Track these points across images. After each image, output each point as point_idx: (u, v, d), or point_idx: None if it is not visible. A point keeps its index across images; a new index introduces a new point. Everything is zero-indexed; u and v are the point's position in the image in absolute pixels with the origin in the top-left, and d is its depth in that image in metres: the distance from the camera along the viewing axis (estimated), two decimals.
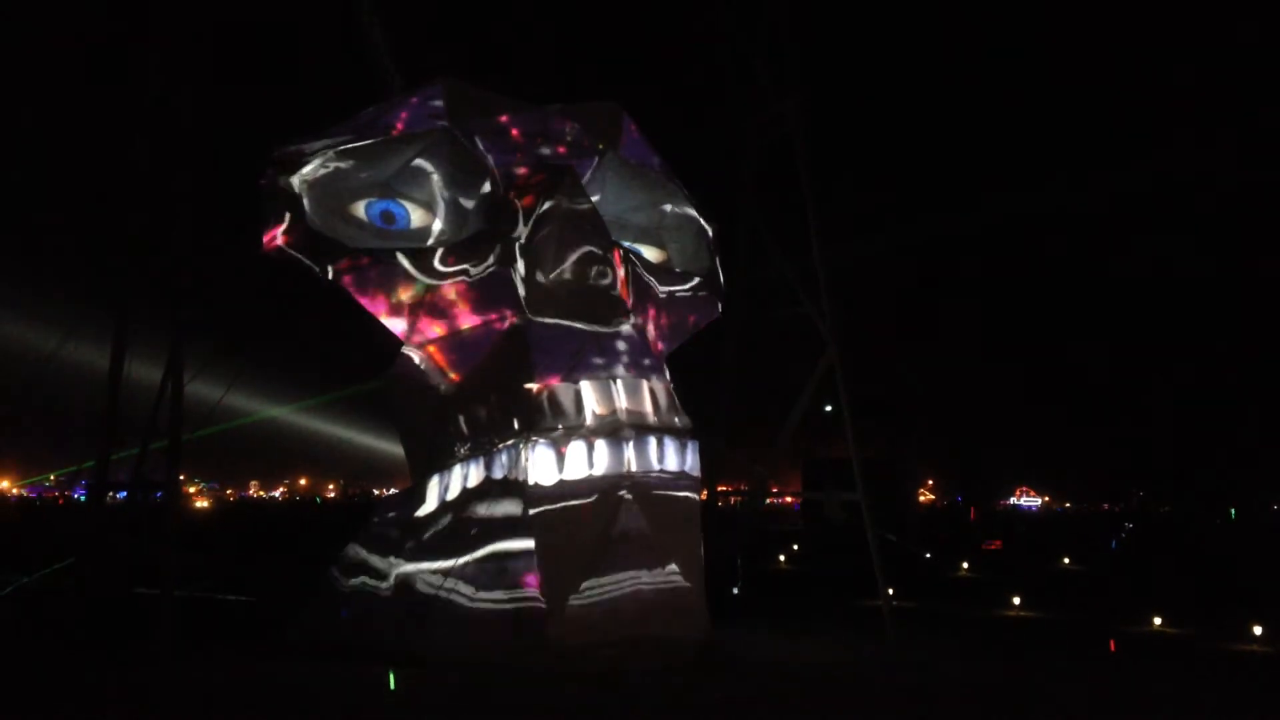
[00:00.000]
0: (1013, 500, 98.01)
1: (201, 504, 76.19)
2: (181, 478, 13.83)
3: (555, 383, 11.07)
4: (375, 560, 12.20)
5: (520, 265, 11.94)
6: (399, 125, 12.25)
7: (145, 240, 13.54)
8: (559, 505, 10.79)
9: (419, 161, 12.26)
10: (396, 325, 12.16)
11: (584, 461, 10.84)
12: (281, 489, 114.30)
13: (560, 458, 10.79)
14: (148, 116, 13.47)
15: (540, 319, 11.66)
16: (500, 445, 11.28)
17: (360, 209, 12.29)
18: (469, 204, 12.49)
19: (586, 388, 11.08)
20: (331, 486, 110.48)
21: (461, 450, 11.88)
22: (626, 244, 13.26)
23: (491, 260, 12.06)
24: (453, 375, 12.21)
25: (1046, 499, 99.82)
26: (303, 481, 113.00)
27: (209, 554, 22.11)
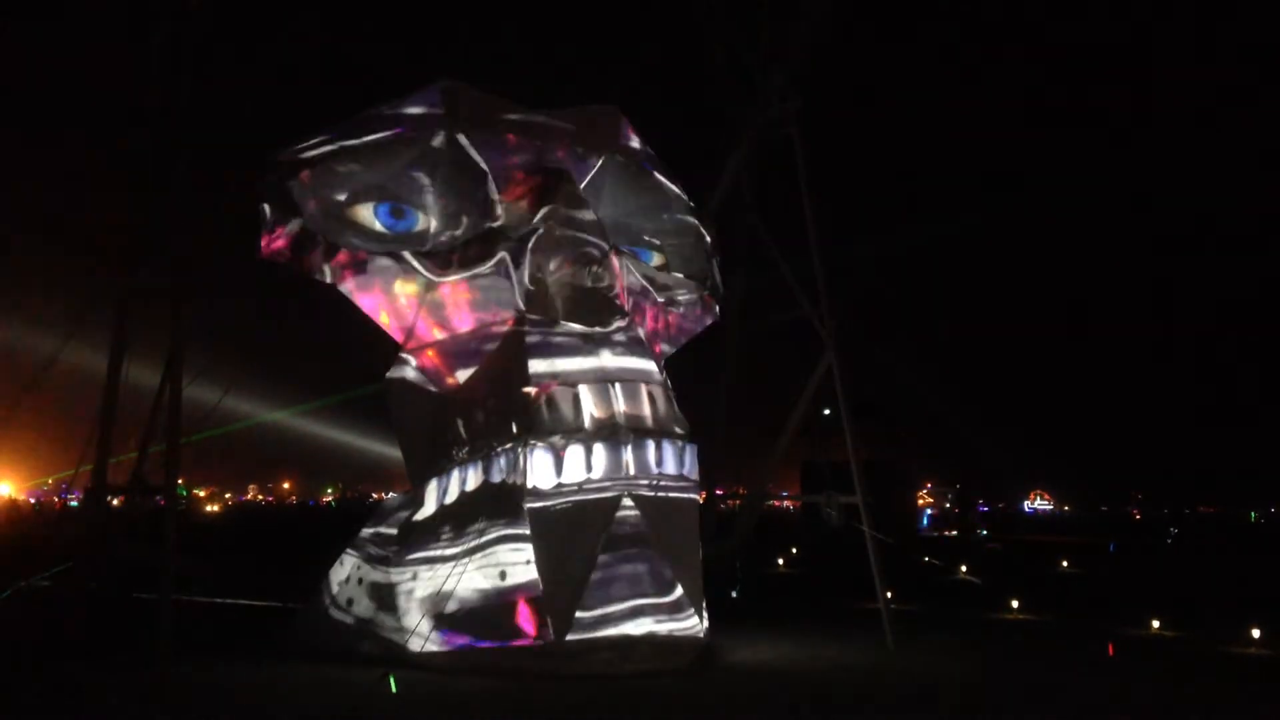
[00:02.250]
0: (1026, 505, 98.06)
1: (212, 508, 75.92)
2: (181, 481, 13.78)
3: (553, 386, 11.07)
4: (375, 564, 12.19)
5: (518, 268, 11.93)
6: (398, 127, 12.26)
7: (145, 243, 13.52)
8: (557, 509, 10.79)
9: (417, 164, 12.26)
10: (395, 328, 12.16)
11: (582, 465, 10.84)
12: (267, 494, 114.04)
13: (558, 461, 10.79)
14: (148, 117, 13.46)
15: (539, 322, 11.66)
16: (499, 449, 11.28)
17: (359, 211, 12.30)
18: (467, 207, 12.50)
19: (585, 391, 11.09)
20: (331, 490, 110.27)
21: (460, 454, 11.87)
22: (624, 248, 13.25)
23: (489, 263, 12.05)
24: (451, 379, 12.22)
25: (1049, 503, 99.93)
26: (286, 485, 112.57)
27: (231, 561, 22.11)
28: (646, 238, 14.06)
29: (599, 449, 10.89)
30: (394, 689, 10.00)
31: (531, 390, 11.03)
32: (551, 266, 11.84)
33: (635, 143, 13.77)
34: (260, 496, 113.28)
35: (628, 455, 10.99)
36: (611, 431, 11.00)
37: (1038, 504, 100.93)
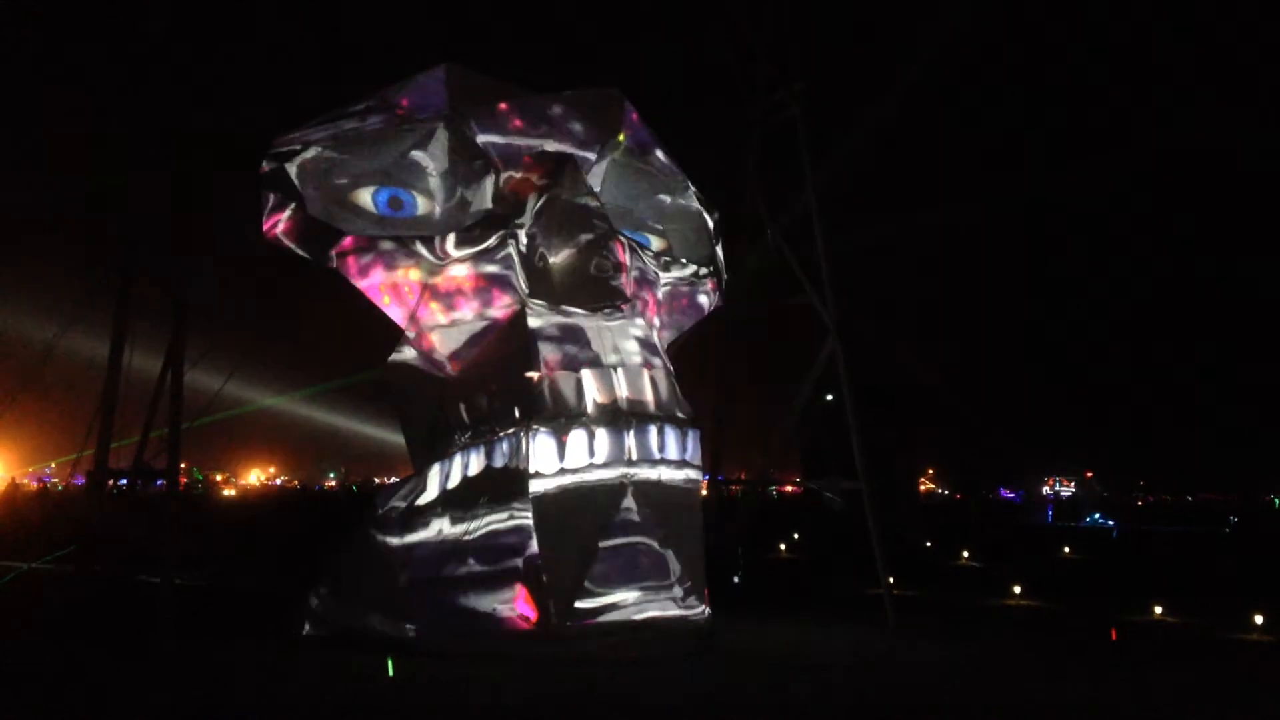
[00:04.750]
0: (1046, 490, 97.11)
1: (229, 492, 75.70)
2: (186, 465, 13.79)
3: (556, 371, 11.03)
4: (377, 547, 12.18)
5: (522, 253, 11.88)
6: (400, 112, 12.19)
7: (147, 227, 13.50)
8: (560, 493, 10.77)
9: (420, 148, 12.20)
10: (397, 313, 12.12)
11: (585, 450, 10.81)
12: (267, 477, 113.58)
13: (561, 446, 10.76)
14: (151, 102, 13.42)
15: (541, 307, 11.61)
16: (501, 434, 11.25)
17: (361, 196, 12.24)
18: (470, 191, 12.44)
19: (587, 376, 11.05)
20: (334, 475, 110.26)
21: (462, 439, 11.84)
22: (628, 232, 13.20)
23: (493, 248, 12.00)
24: (454, 363, 12.18)
25: (1070, 489, 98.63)
26: (271, 469, 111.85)
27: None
28: (649, 222, 14.00)
29: (601, 434, 10.86)
30: (391, 673, 10.00)
31: (534, 375, 11.00)
32: (555, 251, 11.78)
33: (638, 126, 13.68)
34: (262, 481, 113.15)
35: (630, 440, 10.95)
36: (614, 416, 10.96)
37: (1057, 489, 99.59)
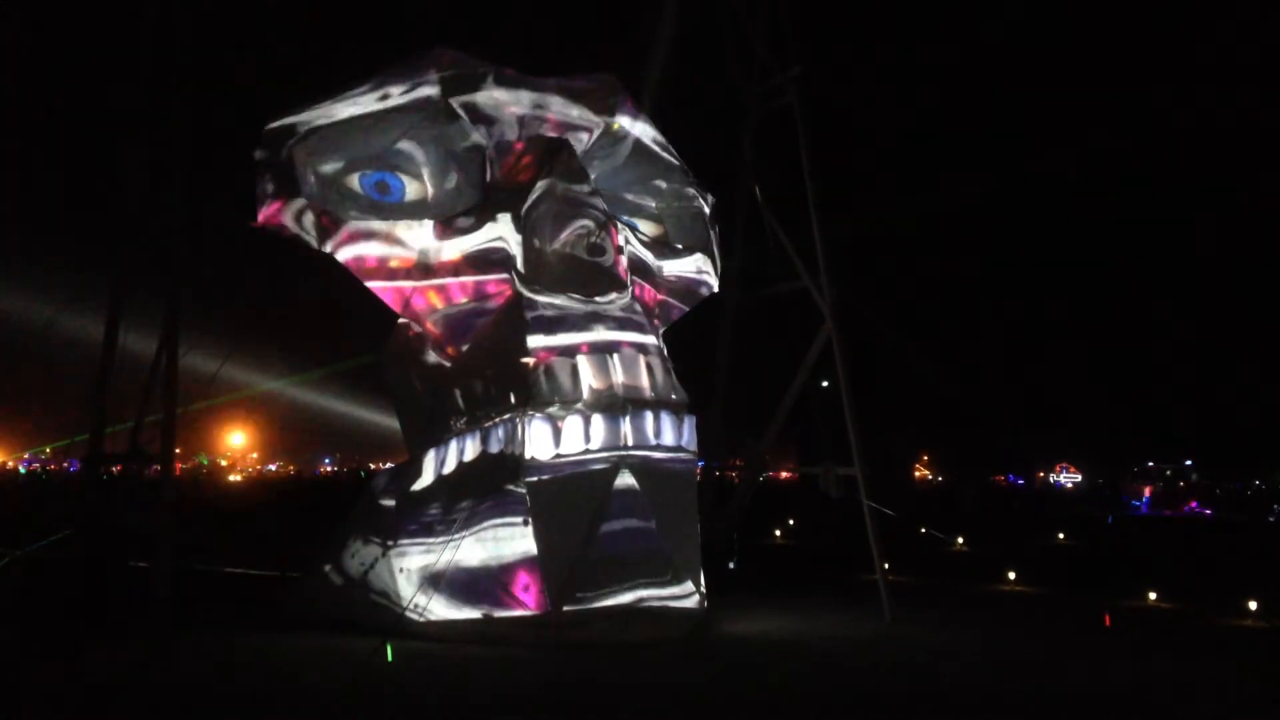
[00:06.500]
0: (1053, 477, 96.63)
1: (235, 478, 75.42)
2: (179, 451, 13.75)
3: (552, 357, 11.01)
4: (372, 534, 12.19)
5: (517, 238, 11.84)
6: (394, 97, 12.11)
7: (142, 210, 13.44)
8: (555, 479, 10.77)
9: (414, 133, 12.14)
10: (393, 299, 12.08)
11: (580, 436, 10.80)
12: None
13: (557, 432, 10.75)
14: (144, 86, 13.34)
15: (537, 293, 11.58)
16: (497, 419, 11.24)
17: (356, 181, 12.19)
18: (464, 176, 12.39)
19: (583, 362, 11.03)
20: (329, 460, 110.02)
21: (458, 424, 11.84)
22: (623, 218, 13.16)
23: (488, 233, 11.96)
24: (449, 349, 12.16)
25: (1078, 476, 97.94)
26: (255, 455, 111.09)
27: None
28: (645, 207, 13.96)
29: (597, 420, 10.85)
30: (390, 658, 10.01)
31: (530, 361, 10.98)
32: (550, 236, 11.74)
33: (634, 111, 13.62)
34: (257, 467, 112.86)
35: (626, 426, 10.94)
36: (610, 402, 10.95)
37: (1063, 477, 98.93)
